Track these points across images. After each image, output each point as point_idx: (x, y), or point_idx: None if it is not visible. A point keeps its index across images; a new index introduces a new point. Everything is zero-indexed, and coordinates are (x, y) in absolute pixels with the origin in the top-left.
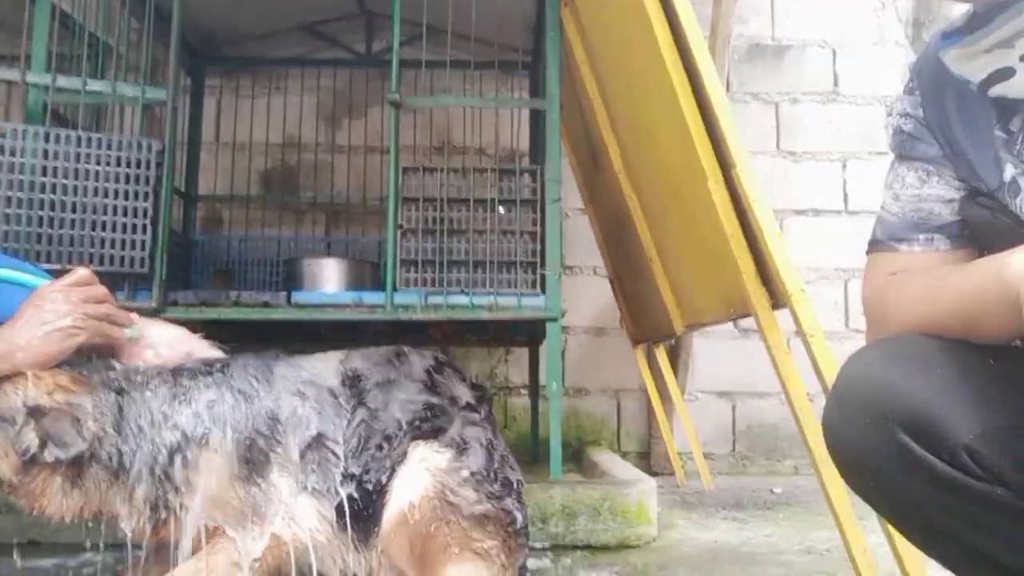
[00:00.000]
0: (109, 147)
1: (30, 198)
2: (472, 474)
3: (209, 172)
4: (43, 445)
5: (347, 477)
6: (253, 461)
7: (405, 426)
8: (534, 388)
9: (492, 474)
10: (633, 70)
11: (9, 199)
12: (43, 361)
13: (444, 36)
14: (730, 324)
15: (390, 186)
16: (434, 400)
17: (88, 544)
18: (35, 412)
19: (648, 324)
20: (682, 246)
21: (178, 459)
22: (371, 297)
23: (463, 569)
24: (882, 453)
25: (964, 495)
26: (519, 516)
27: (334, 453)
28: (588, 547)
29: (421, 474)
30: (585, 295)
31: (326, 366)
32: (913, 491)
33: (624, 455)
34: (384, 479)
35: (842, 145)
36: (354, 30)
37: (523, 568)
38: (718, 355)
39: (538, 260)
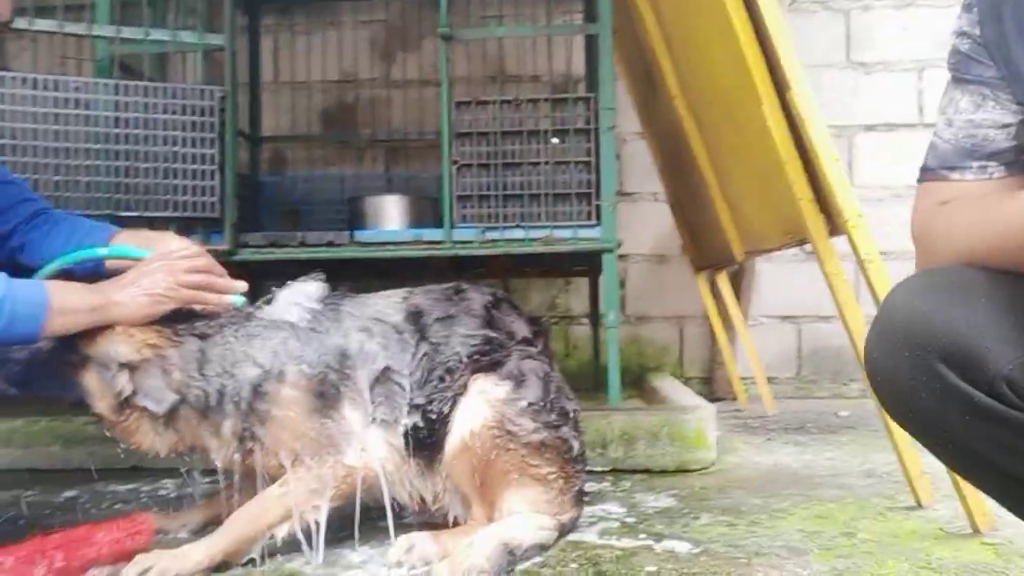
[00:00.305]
0: (174, 96)
1: (105, 149)
2: (529, 404)
3: (271, 112)
4: (135, 392)
5: (413, 407)
6: (326, 395)
7: (465, 359)
8: (595, 317)
9: (549, 404)
10: None
11: (87, 151)
12: (133, 320)
13: None
14: (794, 249)
15: (443, 122)
16: (492, 334)
17: (183, 470)
18: (127, 366)
19: (709, 250)
20: (739, 171)
21: (259, 393)
22: (430, 234)
23: (522, 493)
24: (920, 383)
25: (1001, 424)
26: (575, 444)
27: (400, 385)
28: (647, 471)
29: (481, 405)
30: (645, 222)
31: (389, 303)
32: (950, 420)
33: (686, 381)
34: (446, 409)
35: (917, 53)
36: None
37: (581, 492)
38: (782, 278)
39: (593, 191)
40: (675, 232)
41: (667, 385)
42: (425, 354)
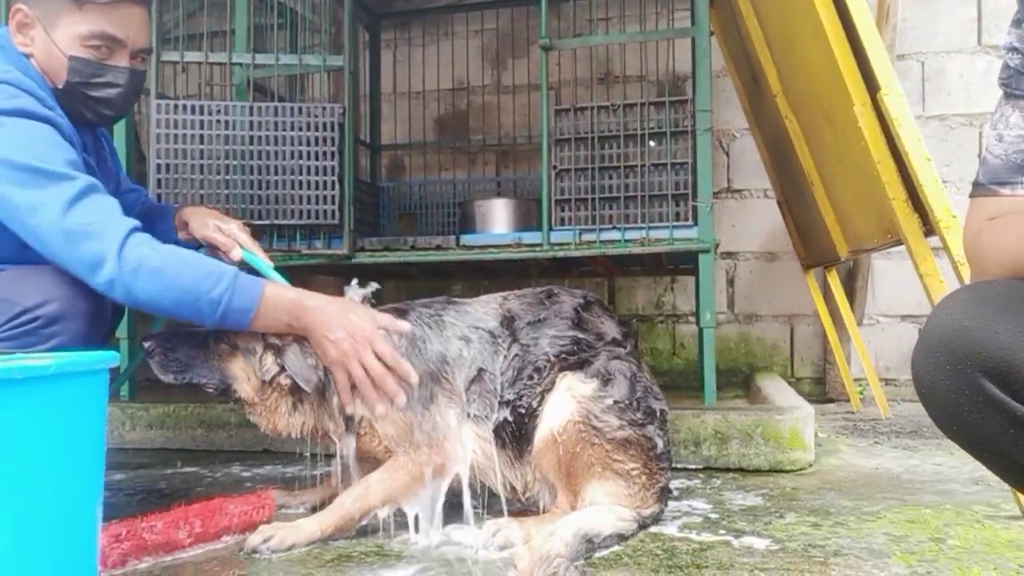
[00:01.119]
0: (300, 113)
1: (241, 164)
2: (615, 402)
3: (390, 121)
4: (279, 372)
5: (503, 403)
6: (428, 394)
7: (553, 358)
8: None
9: (635, 403)
10: None
11: (226, 166)
12: (319, 345)
13: None
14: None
15: (543, 128)
16: (580, 335)
17: (303, 454)
18: (272, 347)
19: (816, 248)
20: (839, 169)
21: None
22: (530, 237)
23: (604, 487)
24: (963, 396)
25: None
26: (660, 442)
27: (492, 384)
28: (740, 470)
29: (568, 401)
30: (754, 219)
31: (487, 309)
32: (994, 433)
33: (798, 381)
34: (535, 404)
35: None
36: None
37: (665, 489)
38: (902, 276)
39: (690, 192)
40: (785, 229)
41: (771, 385)
42: (516, 355)
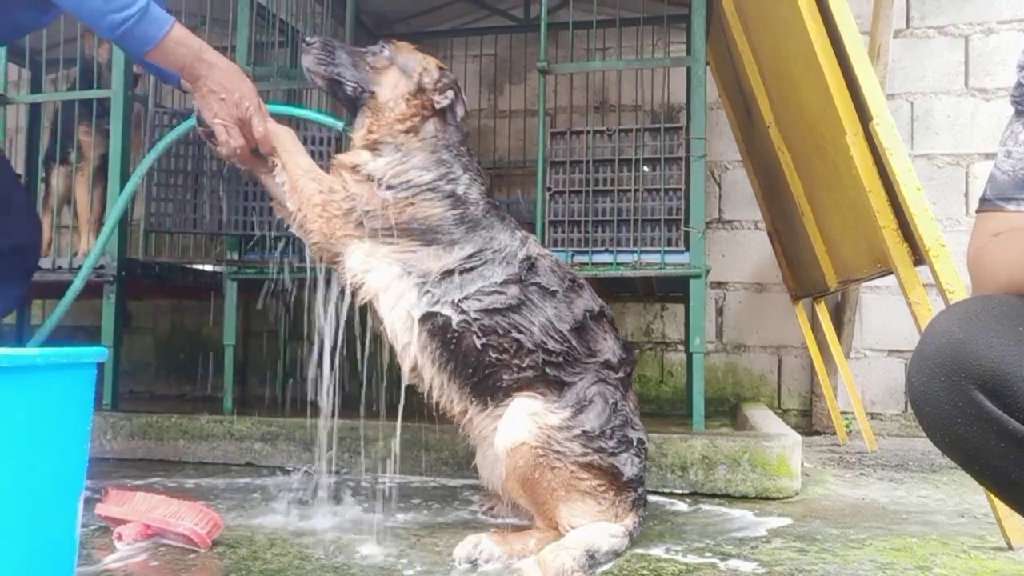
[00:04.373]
0: (297, 128)
1: (238, 177)
2: (584, 432)
3: None
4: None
5: (456, 305)
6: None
7: (533, 348)
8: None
9: (610, 432)
10: (774, 18)
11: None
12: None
13: None
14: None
15: (538, 151)
16: (573, 343)
17: (289, 467)
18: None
19: (805, 279)
20: (829, 199)
21: None
22: None
23: (572, 508)
24: (957, 410)
25: None
26: (628, 471)
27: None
28: (726, 496)
29: (524, 427)
30: (745, 250)
31: (515, 238)
32: (987, 447)
33: (784, 412)
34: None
35: None
36: None
37: (637, 501)
38: (889, 311)
39: (682, 217)
40: (774, 261)
41: (758, 414)
42: (514, 295)
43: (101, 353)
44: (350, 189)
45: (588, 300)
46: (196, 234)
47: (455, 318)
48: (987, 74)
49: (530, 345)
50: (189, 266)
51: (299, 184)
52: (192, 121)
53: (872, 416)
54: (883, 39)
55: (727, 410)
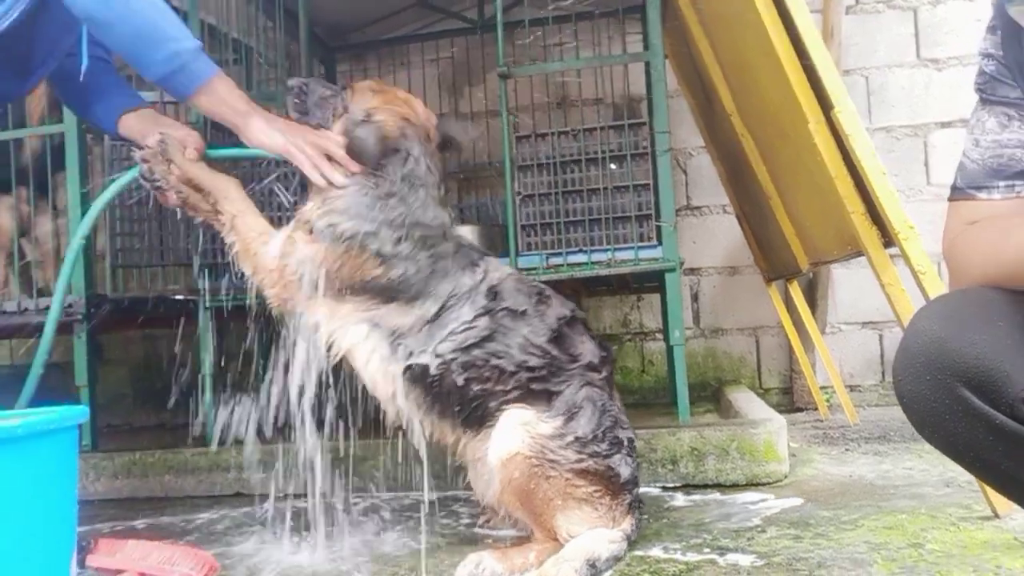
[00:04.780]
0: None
1: None
2: (577, 439)
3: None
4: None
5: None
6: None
7: (516, 368)
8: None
9: (601, 435)
10: (729, 11)
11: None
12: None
13: None
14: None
15: (504, 155)
16: (555, 353)
17: (280, 495)
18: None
19: (777, 261)
20: (795, 184)
21: None
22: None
23: (569, 516)
24: (943, 406)
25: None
26: (624, 471)
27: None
28: (718, 485)
29: (517, 437)
30: (715, 235)
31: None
32: (975, 440)
33: (766, 391)
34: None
35: None
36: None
37: (633, 504)
38: (862, 285)
39: (653, 212)
40: (745, 243)
41: (742, 398)
42: (485, 329)
43: (83, 414)
44: (301, 252)
45: (558, 307)
46: (164, 266)
47: (433, 363)
48: (937, 44)
49: (512, 368)
50: (159, 295)
51: (251, 249)
52: (136, 172)
53: (851, 388)
54: (835, 18)
55: (710, 394)
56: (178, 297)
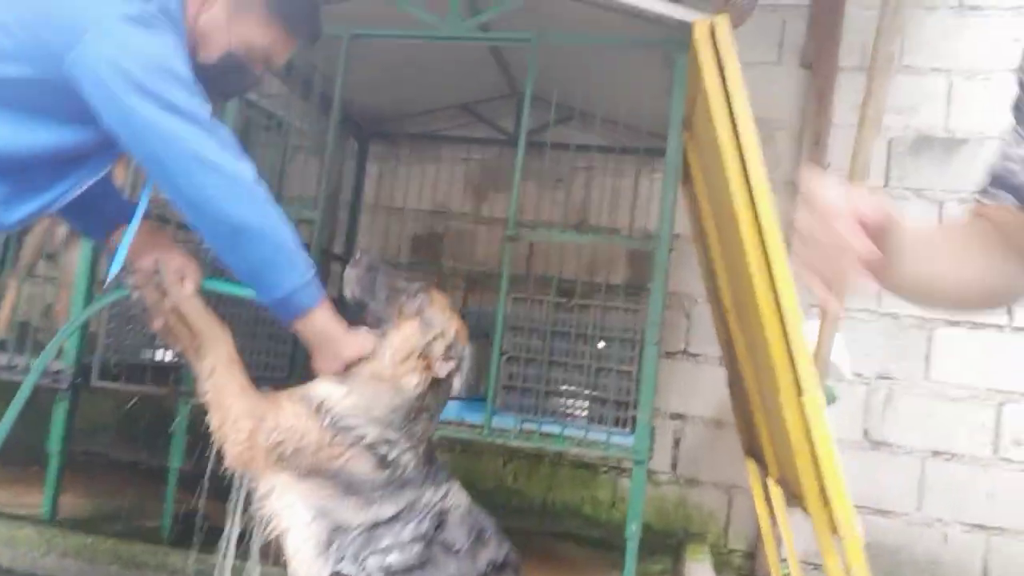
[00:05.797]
0: None
1: None
2: None
3: (367, 233)
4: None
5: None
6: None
7: None
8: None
9: None
10: (732, 241)
11: None
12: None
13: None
14: (858, 434)
15: (498, 315)
16: None
17: None
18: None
19: (754, 446)
20: (775, 410)
21: None
22: (472, 417)
23: None
24: None
25: None
26: None
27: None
28: None
29: None
30: (707, 384)
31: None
32: None
33: (730, 553)
34: None
35: None
36: (505, 111)
37: None
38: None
39: (631, 399)
40: None
41: (698, 571)
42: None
43: None
44: (286, 422)
45: (492, 551)
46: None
47: (355, 574)
48: None
49: None
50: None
51: (227, 403)
52: (124, 293)
53: (815, 567)
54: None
55: (673, 545)
56: (168, 359)
